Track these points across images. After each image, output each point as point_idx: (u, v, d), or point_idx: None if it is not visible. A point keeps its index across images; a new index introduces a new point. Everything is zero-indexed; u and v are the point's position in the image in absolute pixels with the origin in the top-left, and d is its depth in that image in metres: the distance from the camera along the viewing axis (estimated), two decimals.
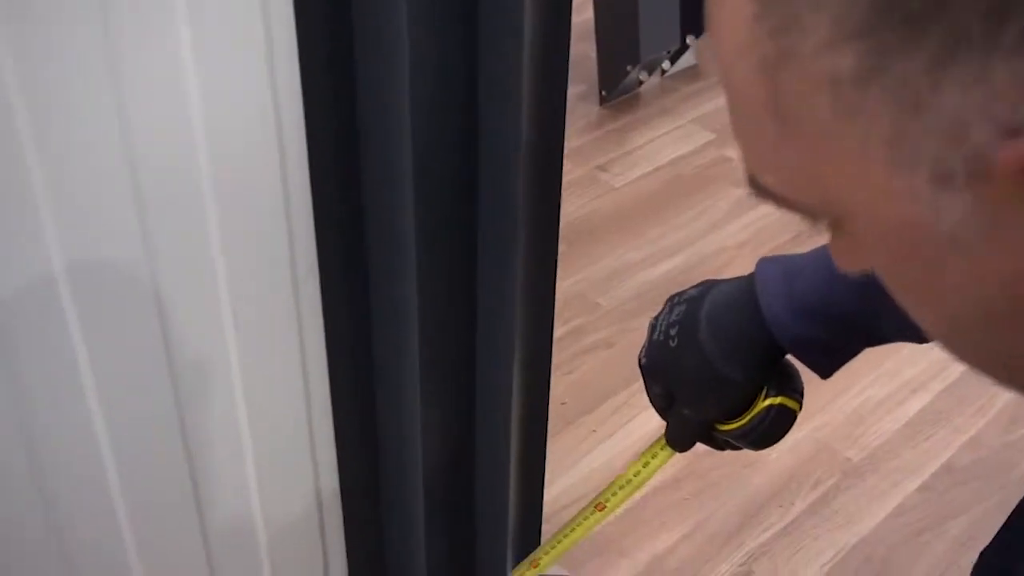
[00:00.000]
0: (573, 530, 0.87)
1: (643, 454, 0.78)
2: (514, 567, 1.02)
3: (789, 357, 0.66)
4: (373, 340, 0.96)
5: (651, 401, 0.73)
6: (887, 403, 1.60)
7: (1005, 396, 1.58)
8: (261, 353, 0.89)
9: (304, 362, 0.93)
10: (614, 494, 0.82)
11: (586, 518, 0.85)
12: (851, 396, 1.59)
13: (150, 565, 0.92)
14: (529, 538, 1.12)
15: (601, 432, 1.50)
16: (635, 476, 0.79)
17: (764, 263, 0.65)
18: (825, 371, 0.65)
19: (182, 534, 0.93)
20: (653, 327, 0.69)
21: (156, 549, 0.91)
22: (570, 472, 1.44)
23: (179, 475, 0.89)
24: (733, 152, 2.15)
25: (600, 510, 0.83)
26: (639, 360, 0.71)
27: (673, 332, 0.66)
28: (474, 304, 0.93)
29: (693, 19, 2.21)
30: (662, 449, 0.76)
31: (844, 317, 0.61)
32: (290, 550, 1.04)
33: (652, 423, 1.47)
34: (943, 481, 1.47)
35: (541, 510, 1.10)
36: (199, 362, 0.86)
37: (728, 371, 0.64)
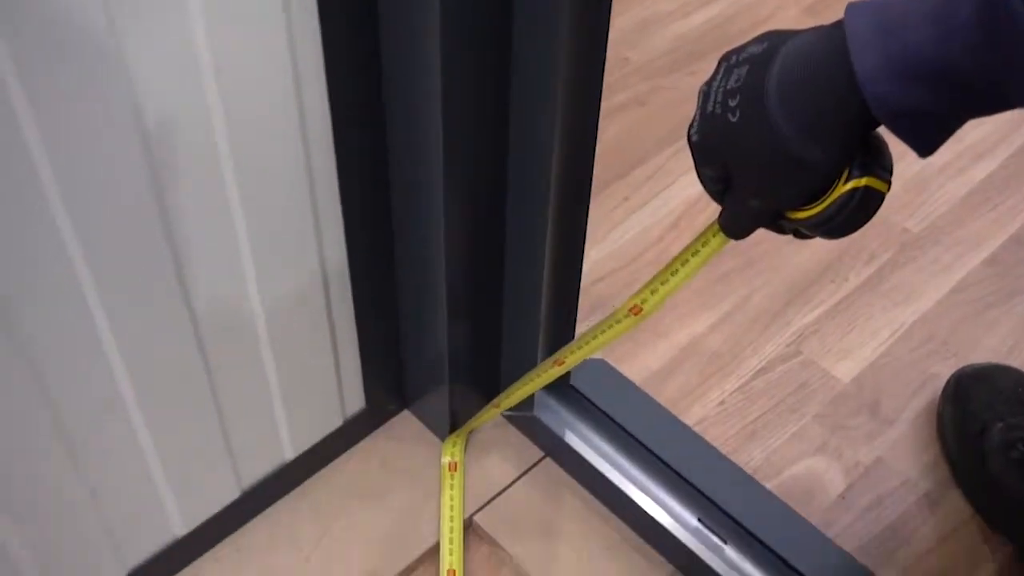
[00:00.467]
0: (603, 332, 0.77)
1: (692, 243, 0.66)
2: (542, 361, 0.92)
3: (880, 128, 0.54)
4: (383, 78, 0.81)
5: (703, 184, 0.62)
6: (949, 169, 1.46)
7: None
8: (248, 103, 0.75)
9: (301, 108, 0.79)
10: (654, 291, 0.71)
11: (619, 321, 0.74)
12: (909, 162, 1.44)
13: (133, 363, 0.80)
14: (562, 331, 1.00)
15: (634, 200, 1.36)
16: (682, 266, 0.68)
17: (855, 10, 0.51)
18: (927, 147, 0.53)
19: (167, 326, 0.81)
20: (705, 95, 0.57)
21: (137, 346, 0.80)
22: (600, 244, 1.32)
23: (158, 257, 0.77)
24: None
25: (636, 314, 0.72)
26: (688, 136, 0.59)
27: (732, 102, 0.55)
28: (509, 47, 0.78)
29: None
30: (714, 236, 0.64)
31: (957, 79, 0.48)
32: (293, 339, 0.93)
33: (691, 190, 1.34)
34: (1011, 253, 1.35)
35: (577, 296, 0.98)
36: (171, 120, 0.71)
37: (805, 150, 0.53)
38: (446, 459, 1.07)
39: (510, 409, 1.04)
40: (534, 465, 1.08)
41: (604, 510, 1.04)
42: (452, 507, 1.03)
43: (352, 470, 1.07)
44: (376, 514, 1.04)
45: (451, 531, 1.01)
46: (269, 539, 1.02)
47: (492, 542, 1.03)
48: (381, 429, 1.10)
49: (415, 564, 1.01)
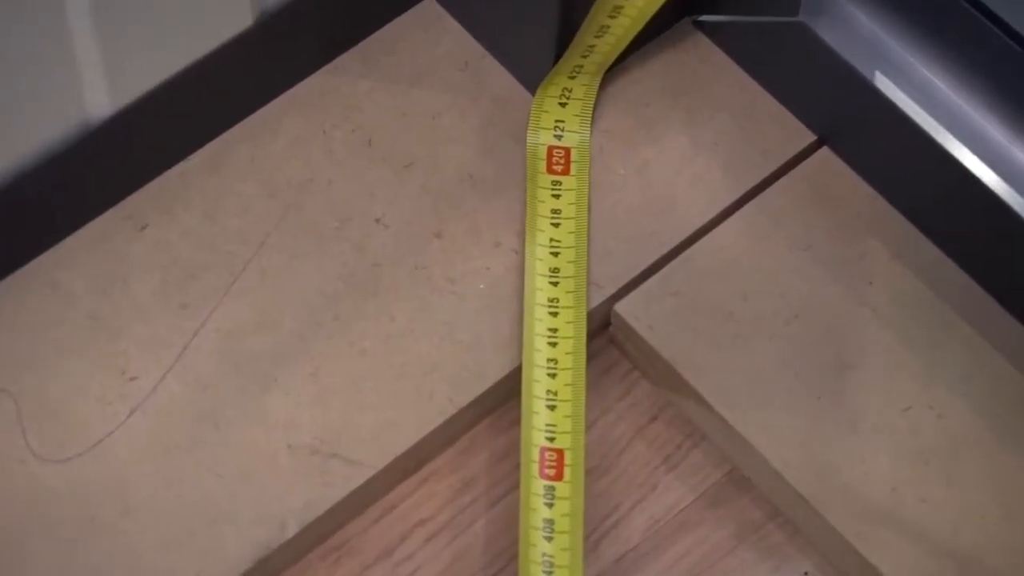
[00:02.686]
0: None
1: None
2: None
3: None
4: None
5: None
6: None
7: None
8: None
9: None
10: None
11: None
12: None
13: None
14: None
15: None
16: None
17: None
18: None
19: None
20: None
21: None
22: None
23: None
24: None
25: None
26: None
27: None
28: None
29: None
30: None
31: None
32: None
33: None
34: None
35: None
36: None
37: None
38: (542, 137, 0.53)
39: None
40: (798, 160, 0.55)
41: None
42: (556, 264, 0.52)
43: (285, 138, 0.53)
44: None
45: (551, 338, 0.50)
46: None
47: (656, 367, 0.51)
48: (364, 46, 0.55)
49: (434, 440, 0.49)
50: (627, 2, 0.50)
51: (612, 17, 0.51)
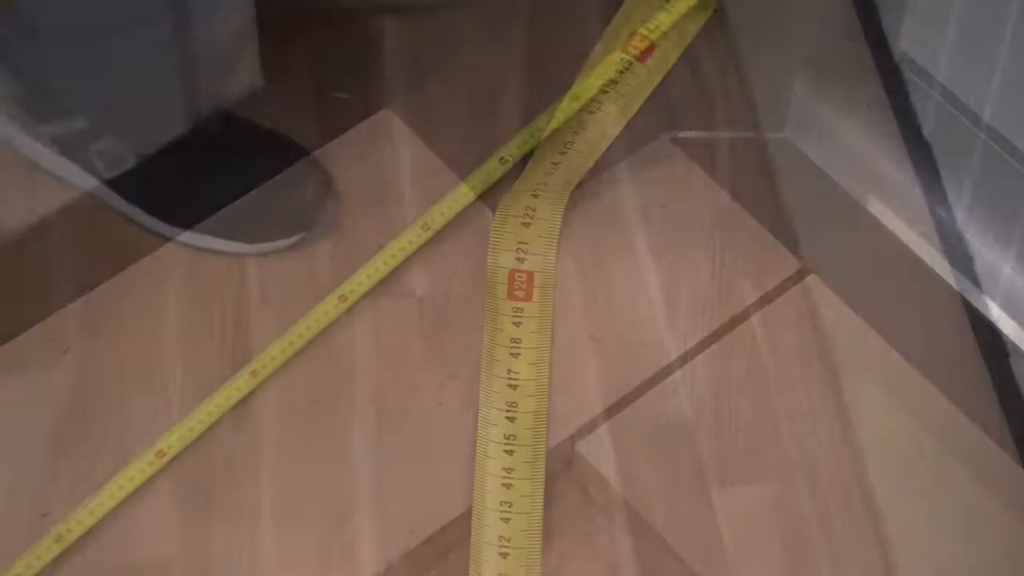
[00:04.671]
0: None
1: None
2: None
3: None
4: None
5: None
6: None
7: None
8: None
9: None
10: None
11: None
12: None
13: None
14: None
15: None
16: None
17: None
18: None
19: None
20: None
21: None
22: None
23: None
24: None
25: None
26: None
27: None
28: None
29: None
30: None
31: None
32: None
33: None
34: None
35: None
36: None
37: None
38: (503, 260, 0.57)
39: None
40: (783, 288, 0.58)
41: None
42: (514, 398, 0.54)
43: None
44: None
45: (505, 479, 0.53)
46: None
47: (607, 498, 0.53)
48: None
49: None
50: (591, 118, 0.53)
51: (576, 133, 0.53)
